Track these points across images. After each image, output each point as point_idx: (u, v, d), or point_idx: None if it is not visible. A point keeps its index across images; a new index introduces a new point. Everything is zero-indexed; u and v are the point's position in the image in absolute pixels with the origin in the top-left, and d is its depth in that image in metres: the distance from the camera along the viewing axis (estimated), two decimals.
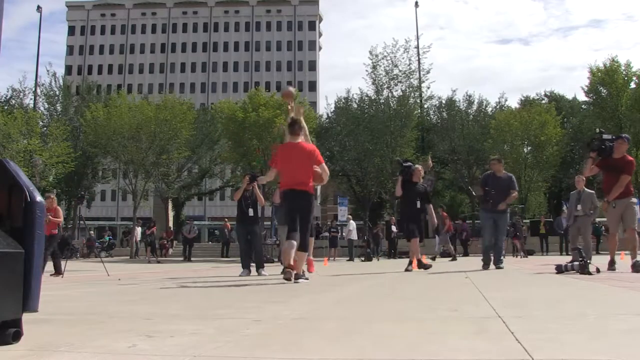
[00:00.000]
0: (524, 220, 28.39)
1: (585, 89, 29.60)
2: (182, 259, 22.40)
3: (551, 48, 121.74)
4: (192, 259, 21.91)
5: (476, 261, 11.40)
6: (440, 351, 1.74)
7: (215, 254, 26.15)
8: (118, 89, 41.46)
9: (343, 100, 34.49)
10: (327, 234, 22.67)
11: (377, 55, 29.77)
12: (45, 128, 30.46)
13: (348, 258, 19.98)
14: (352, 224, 21.28)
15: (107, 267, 10.05)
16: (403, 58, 29.64)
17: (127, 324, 2.53)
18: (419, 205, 8.33)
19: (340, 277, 7.01)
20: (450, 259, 16.04)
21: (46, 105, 33.93)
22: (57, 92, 34.34)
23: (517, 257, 18.23)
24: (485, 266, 8.02)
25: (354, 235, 20.70)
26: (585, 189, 9.21)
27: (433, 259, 13.40)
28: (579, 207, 8.93)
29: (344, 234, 23.00)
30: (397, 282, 5.87)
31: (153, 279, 7.51)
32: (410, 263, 8.30)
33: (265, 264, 8.82)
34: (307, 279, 5.72)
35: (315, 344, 1.92)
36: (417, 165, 8.83)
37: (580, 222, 8.94)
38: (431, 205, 8.68)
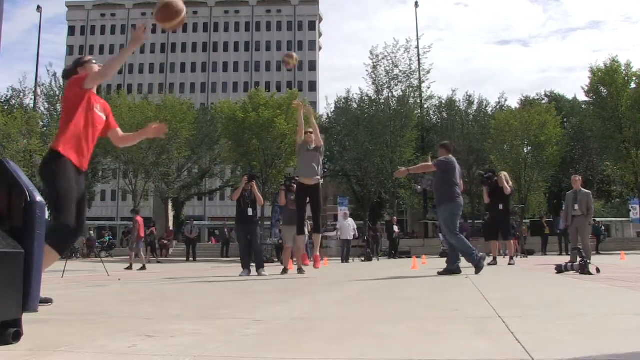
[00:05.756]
0: (524, 220, 28.38)
1: (586, 88, 29.57)
2: (183, 259, 22.37)
3: (550, 49, 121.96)
4: (193, 259, 21.90)
5: None
6: (440, 351, 1.74)
7: (215, 254, 26.14)
8: (118, 89, 41.45)
9: (343, 101, 34.49)
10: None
11: (377, 56, 29.82)
12: (45, 128, 30.47)
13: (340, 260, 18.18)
14: (342, 223, 19.19)
15: (107, 267, 10.05)
16: (404, 58, 29.69)
17: (127, 324, 2.53)
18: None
19: (340, 278, 7.01)
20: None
21: (46, 106, 34.00)
22: (57, 92, 34.37)
23: (517, 257, 18.22)
24: (446, 272, 6.64)
25: (345, 235, 18.38)
26: (582, 189, 9.16)
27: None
28: (577, 206, 8.88)
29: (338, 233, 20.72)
30: (397, 282, 5.87)
31: (153, 279, 7.51)
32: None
33: (265, 264, 8.82)
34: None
35: (315, 344, 1.91)
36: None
37: (578, 223, 8.90)
38: None
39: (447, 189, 6.86)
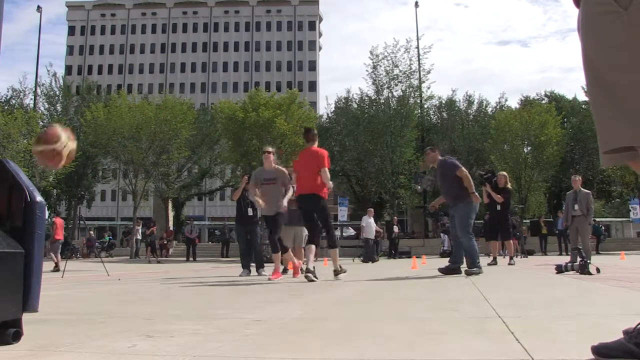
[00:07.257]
0: (524, 220, 28.37)
1: (586, 88, 29.52)
2: (183, 259, 22.35)
3: (550, 50, 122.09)
4: (193, 259, 21.90)
5: None
6: (440, 351, 1.74)
7: (215, 254, 26.13)
8: (118, 89, 41.45)
9: (343, 101, 34.51)
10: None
11: (377, 56, 29.86)
12: (45, 128, 30.43)
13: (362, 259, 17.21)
14: (367, 221, 17.80)
15: (107, 267, 10.04)
16: (404, 58, 29.72)
17: (127, 324, 2.53)
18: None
19: (340, 278, 7.00)
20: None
21: (46, 105, 34.03)
22: (57, 92, 34.38)
23: (517, 257, 18.20)
24: (448, 270, 6.65)
25: (370, 233, 17.33)
26: (582, 189, 9.16)
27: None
28: (576, 207, 8.88)
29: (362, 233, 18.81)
30: (397, 282, 5.87)
31: (153, 279, 7.51)
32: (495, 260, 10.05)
33: (265, 264, 8.82)
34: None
35: (315, 344, 1.91)
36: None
37: (578, 223, 8.89)
38: None
39: (462, 186, 6.72)
